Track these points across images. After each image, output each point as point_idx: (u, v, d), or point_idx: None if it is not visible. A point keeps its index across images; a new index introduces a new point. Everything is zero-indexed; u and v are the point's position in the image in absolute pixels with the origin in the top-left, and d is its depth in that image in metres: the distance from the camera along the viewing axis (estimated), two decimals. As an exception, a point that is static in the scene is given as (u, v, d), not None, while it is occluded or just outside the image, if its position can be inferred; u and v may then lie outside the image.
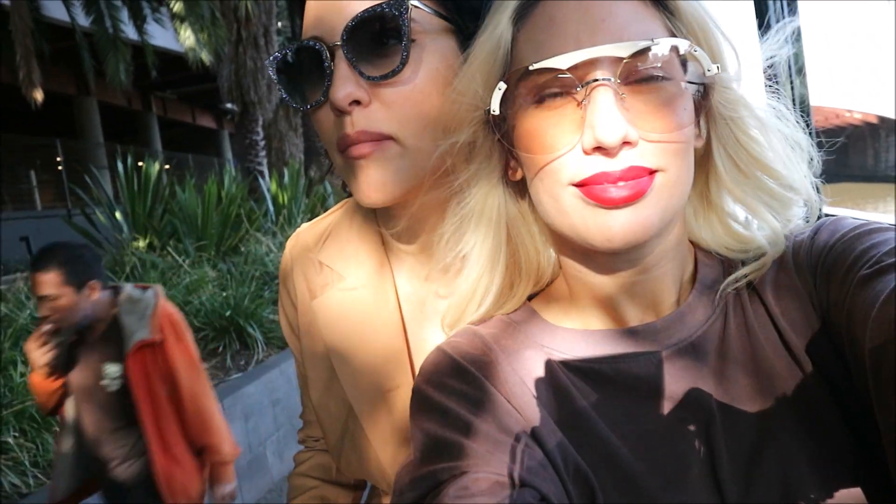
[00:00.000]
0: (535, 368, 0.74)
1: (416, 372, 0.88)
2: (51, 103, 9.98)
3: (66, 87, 14.72)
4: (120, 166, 7.39)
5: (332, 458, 1.08)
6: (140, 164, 7.72)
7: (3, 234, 10.99)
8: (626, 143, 0.63)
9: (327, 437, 1.07)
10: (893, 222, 0.71)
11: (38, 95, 9.18)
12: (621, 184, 0.63)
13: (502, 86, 0.69)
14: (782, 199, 0.74)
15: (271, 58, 0.85)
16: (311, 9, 0.84)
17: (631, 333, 0.74)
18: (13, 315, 4.59)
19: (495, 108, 0.70)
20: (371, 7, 0.78)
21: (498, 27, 0.71)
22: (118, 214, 7.54)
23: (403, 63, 0.79)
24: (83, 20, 10.43)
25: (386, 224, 0.99)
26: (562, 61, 0.63)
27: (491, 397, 0.71)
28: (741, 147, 0.73)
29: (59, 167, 16.13)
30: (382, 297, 0.98)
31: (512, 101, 0.69)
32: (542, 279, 0.83)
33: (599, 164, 0.63)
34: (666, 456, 0.68)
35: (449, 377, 0.73)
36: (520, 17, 0.70)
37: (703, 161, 0.75)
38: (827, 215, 0.80)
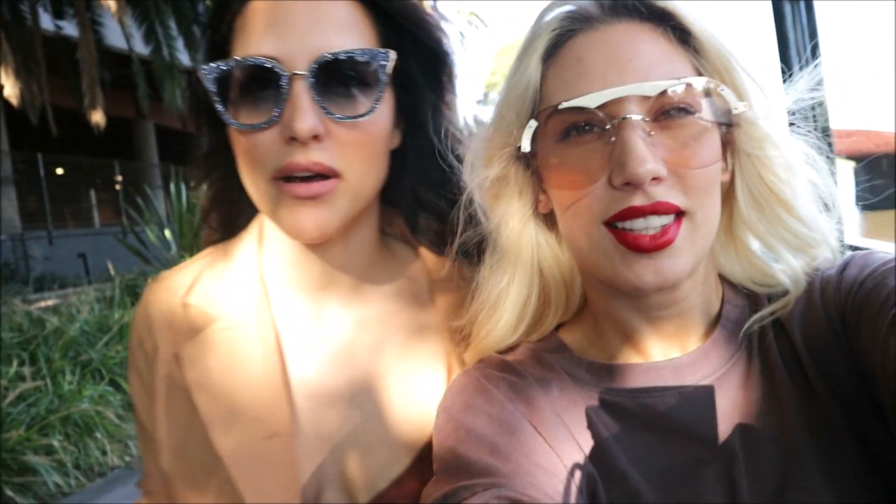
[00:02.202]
0: (560, 398, 0.74)
1: (296, 419, 0.89)
2: (111, 126, 10.54)
3: (125, 110, 15.45)
4: (172, 187, 7.75)
5: None
6: (192, 184, 8.08)
7: (61, 250, 11.58)
8: (654, 178, 0.64)
9: None
10: None
11: (100, 119, 9.75)
12: (653, 221, 0.65)
13: (533, 123, 0.71)
14: (804, 238, 0.73)
15: (209, 67, 0.80)
16: (266, 23, 0.80)
17: (656, 368, 0.73)
18: (64, 328, 4.89)
19: (526, 145, 0.72)
20: (352, 50, 0.79)
21: (528, 68, 0.73)
22: (167, 233, 7.91)
23: (373, 110, 0.81)
24: (141, 48, 11.02)
25: (300, 262, 0.93)
26: (591, 100, 0.65)
27: (516, 421, 0.71)
28: (763, 184, 0.72)
29: (117, 186, 16.87)
30: (260, 336, 0.92)
31: (542, 138, 0.71)
32: (570, 309, 0.84)
33: (628, 199, 0.65)
34: (685, 495, 0.67)
35: (475, 398, 0.74)
36: (548, 57, 0.72)
37: (728, 196, 0.75)
38: (855, 248, 0.79)
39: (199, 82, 0.82)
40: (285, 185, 0.80)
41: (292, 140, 0.78)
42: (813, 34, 1.77)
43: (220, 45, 0.85)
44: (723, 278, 0.79)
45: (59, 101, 11.05)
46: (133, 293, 6.42)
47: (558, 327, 0.84)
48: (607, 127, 0.65)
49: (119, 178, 16.88)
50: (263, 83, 0.79)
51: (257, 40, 0.80)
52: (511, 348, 0.83)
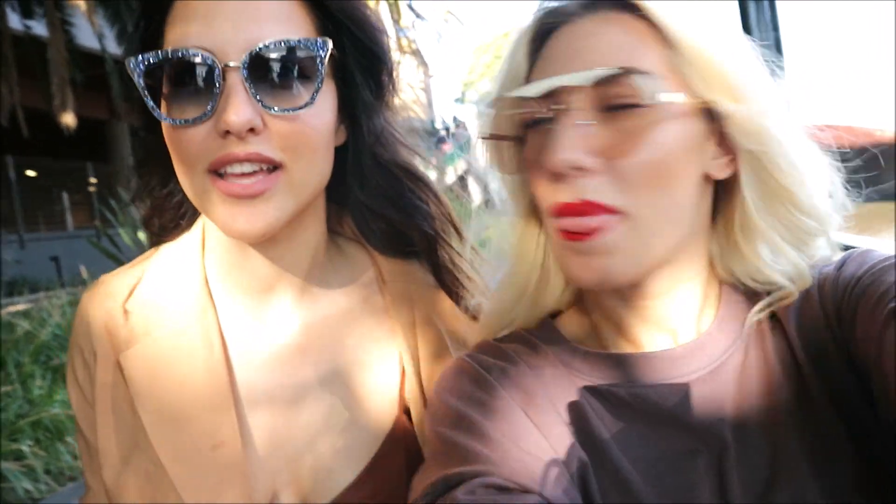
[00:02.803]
0: (553, 386, 0.74)
1: (244, 428, 0.87)
2: (84, 128, 10.39)
3: (99, 112, 15.23)
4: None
5: None
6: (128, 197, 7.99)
7: (33, 254, 11.39)
8: (578, 168, 0.64)
9: None
10: None
11: (71, 120, 9.59)
12: (583, 220, 0.65)
13: (490, 111, 0.74)
14: (807, 229, 0.73)
15: (136, 59, 0.76)
16: (197, 16, 0.77)
17: (650, 358, 0.73)
18: (35, 332, 4.83)
19: (485, 131, 0.75)
20: (286, 39, 0.76)
21: (515, 59, 0.75)
22: (141, 235, 7.81)
23: (311, 102, 0.78)
24: (115, 48, 10.87)
25: (244, 263, 0.90)
26: (530, 89, 0.67)
27: (508, 408, 0.71)
28: (766, 180, 0.71)
29: (91, 189, 16.64)
30: (204, 341, 0.89)
31: (519, 126, 0.73)
32: (565, 301, 0.85)
33: (560, 193, 0.66)
34: (676, 484, 0.67)
35: (467, 384, 0.74)
36: (534, 52, 0.74)
37: (730, 194, 0.74)
38: (851, 247, 0.78)
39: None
40: (222, 182, 0.77)
41: (227, 134, 0.75)
42: (776, 29, 1.81)
43: (151, 38, 0.82)
44: (723, 275, 0.79)
45: (31, 103, 10.86)
46: (106, 296, 6.34)
47: (553, 317, 0.84)
48: (549, 117, 0.67)
49: (93, 180, 16.64)
50: (195, 76, 0.75)
51: (189, 32, 0.76)
52: (506, 336, 0.83)
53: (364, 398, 0.91)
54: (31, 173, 15.78)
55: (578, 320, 0.82)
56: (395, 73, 0.93)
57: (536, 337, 0.81)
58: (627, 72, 0.64)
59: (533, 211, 0.80)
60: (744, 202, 0.72)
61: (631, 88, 0.64)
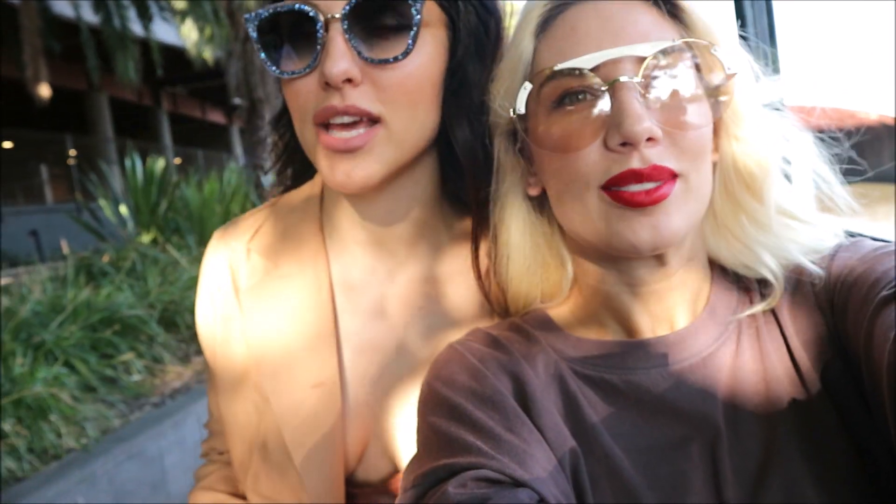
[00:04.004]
0: (545, 374, 0.74)
1: (342, 371, 0.91)
2: (62, 99, 10.17)
3: (77, 83, 14.91)
4: (128, 162, 7.54)
5: (238, 475, 0.99)
6: (149, 158, 7.88)
7: (12, 227, 11.21)
8: (649, 139, 0.64)
9: (233, 450, 0.98)
10: None
11: (45, 92, 9.37)
12: (648, 185, 0.64)
13: (528, 85, 0.70)
14: (765, 225, 0.73)
15: (252, 14, 0.80)
16: None
17: (643, 345, 0.74)
18: (14, 309, 4.74)
19: (521, 107, 0.71)
20: None
21: (521, 42, 0.73)
22: (123, 209, 7.70)
23: (408, 52, 0.78)
24: (91, 17, 10.60)
25: (353, 215, 0.94)
26: (586, 61, 0.66)
27: (499, 397, 0.70)
28: (743, 168, 0.73)
29: (70, 161, 16.35)
30: (315, 284, 0.93)
31: (536, 104, 0.71)
32: (563, 290, 0.84)
33: (626, 162, 0.65)
34: (668, 473, 0.68)
35: (459, 374, 0.73)
36: (542, 30, 0.72)
37: (714, 178, 0.75)
38: (851, 235, 0.78)
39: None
40: (325, 135, 0.79)
41: (327, 86, 0.77)
42: (770, 16, 1.78)
43: None
44: (714, 261, 0.79)
45: (6, 73, 10.60)
46: (88, 272, 6.23)
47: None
48: (603, 89, 0.65)
49: (72, 152, 16.34)
50: (302, 29, 0.78)
51: None
52: (498, 323, 0.83)
53: None
54: (7, 145, 15.46)
55: (571, 308, 0.82)
56: (503, 29, 0.91)
57: (529, 324, 0.80)
58: (688, 45, 0.67)
59: (526, 198, 0.81)
60: (718, 187, 0.74)
61: (682, 59, 0.66)
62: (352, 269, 0.95)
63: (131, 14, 10.97)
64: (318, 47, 0.77)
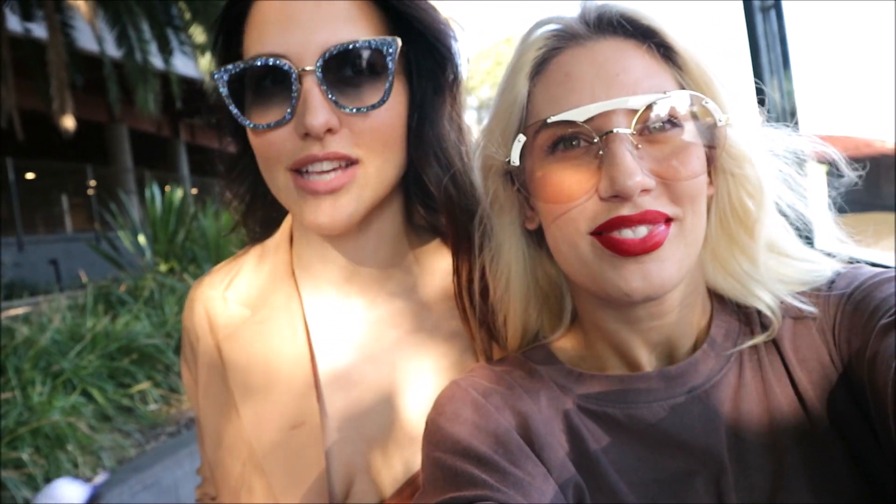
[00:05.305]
0: (549, 409, 0.74)
1: (324, 410, 0.91)
2: (83, 130, 10.37)
3: (98, 114, 15.21)
4: (146, 192, 7.66)
5: None
6: (167, 188, 8.01)
7: (32, 256, 11.35)
8: (643, 190, 0.65)
9: (221, 495, 1.00)
10: None
11: (70, 123, 9.56)
12: (641, 229, 0.65)
13: (522, 138, 0.71)
14: (762, 258, 0.74)
15: (221, 70, 0.81)
16: (271, 22, 0.81)
17: (645, 379, 0.73)
18: (34, 337, 4.78)
19: (515, 159, 0.72)
20: (356, 41, 0.79)
21: (515, 86, 0.74)
22: (141, 238, 7.80)
23: (384, 100, 0.81)
24: (114, 51, 10.85)
25: (325, 255, 0.96)
26: (579, 114, 0.66)
27: (503, 431, 0.70)
28: (735, 204, 0.73)
29: (90, 191, 16.60)
30: (290, 329, 0.95)
31: (530, 152, 0.72)
32: (564, 323, 0.84)
33: (616, 210, 0.65)
34: None
35: (463, 410, 0.73)
36: (535, 74, 0.73)
37: (710, 211, 0.76)
38: (850, 261, 0.79)
39: (216, 92, 0.83)
40: (304, 180, 0.82)
41: (307, 136, 0.79)
42: (783, 43, 1.80)
43: (229, 48, 0.86)
44: (713, 292, 0.79)
45: (30, 105, 10.84)
46: (106, 301, 6.31)
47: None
48: (595, 140, 0.66)
49: (92, 182, 16.60)
50: (274, 81, 0.80)
51: (265, 39, 0.80)
52: (500, 359, 0.84)
53: (440, 386, 0.91)
54: (30, 175, 15.75)
55: (573, 343, 0.82)
56: (461, 68, 0.94)
57: (531, 360, 0.81)
58: (691, 95, 0.67)
59: (525, 233, 0.82)
60: (713, 221, 0.75)
61: (674, 110, 0.67)
62: (326, 309, 0.98)
63: (153, 48, 11.21)
64: (294, 99, 0.79)
